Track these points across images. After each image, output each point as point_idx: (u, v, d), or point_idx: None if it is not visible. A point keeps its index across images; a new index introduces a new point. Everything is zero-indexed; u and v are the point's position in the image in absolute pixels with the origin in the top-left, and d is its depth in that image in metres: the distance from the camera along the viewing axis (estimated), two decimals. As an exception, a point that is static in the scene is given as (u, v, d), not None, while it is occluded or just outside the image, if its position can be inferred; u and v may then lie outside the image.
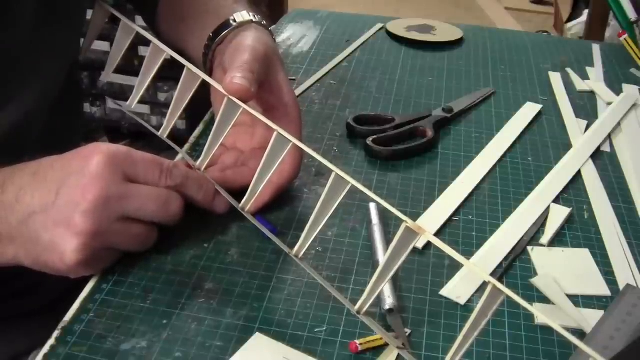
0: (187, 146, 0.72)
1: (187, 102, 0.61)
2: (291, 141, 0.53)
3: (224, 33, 0.65)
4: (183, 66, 0.61)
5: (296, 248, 0.52)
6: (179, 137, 0.66)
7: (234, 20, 0.65)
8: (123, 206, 0.52)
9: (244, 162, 0.63)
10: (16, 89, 0.63)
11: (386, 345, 0.50)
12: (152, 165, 0.55)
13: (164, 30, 0.78)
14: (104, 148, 0.52)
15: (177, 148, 0.65)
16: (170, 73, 0.66)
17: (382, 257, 0.57)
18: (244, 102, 0.56)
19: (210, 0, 0.71)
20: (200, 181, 0.58)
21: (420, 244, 0.59)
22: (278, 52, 0.65)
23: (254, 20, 0.66)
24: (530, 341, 0.51)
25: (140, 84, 0.65)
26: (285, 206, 0.64)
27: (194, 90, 0.61)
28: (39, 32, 0.63)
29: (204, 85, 0.62)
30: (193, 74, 0.60)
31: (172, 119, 0.62)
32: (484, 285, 0.43)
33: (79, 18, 0.72)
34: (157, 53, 0.64)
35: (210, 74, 0.66)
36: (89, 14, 0.73)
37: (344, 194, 0.50)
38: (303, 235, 0.51)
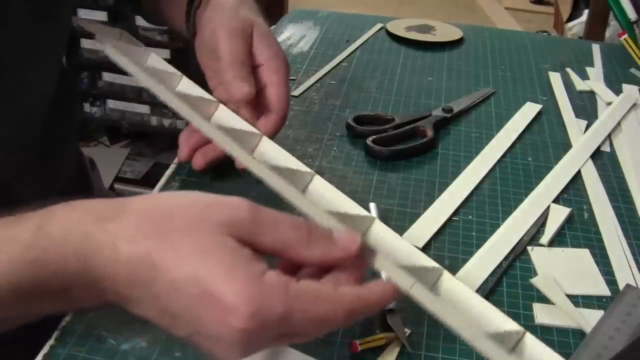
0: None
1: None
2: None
3: None
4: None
5: None
6: (178, 136, 0.66)
7: None
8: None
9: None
10: (10, 89, 0.63)
11: (386, 345, 0.50)
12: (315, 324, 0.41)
13: (150, 12, 0.79)
14: (250, 309, 0.37)
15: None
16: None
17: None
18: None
19: None
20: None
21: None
22: (255, 7, 0.66)
23: None
24: (530, 341, 0.51)
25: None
26: (285, 206, 0.64)
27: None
28: (31, 33, 0.62)
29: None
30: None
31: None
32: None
33: (67, 18, 0.72)
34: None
35: (194, 39, 0.67)
36: (83, 14, 0.73)
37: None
38: None
